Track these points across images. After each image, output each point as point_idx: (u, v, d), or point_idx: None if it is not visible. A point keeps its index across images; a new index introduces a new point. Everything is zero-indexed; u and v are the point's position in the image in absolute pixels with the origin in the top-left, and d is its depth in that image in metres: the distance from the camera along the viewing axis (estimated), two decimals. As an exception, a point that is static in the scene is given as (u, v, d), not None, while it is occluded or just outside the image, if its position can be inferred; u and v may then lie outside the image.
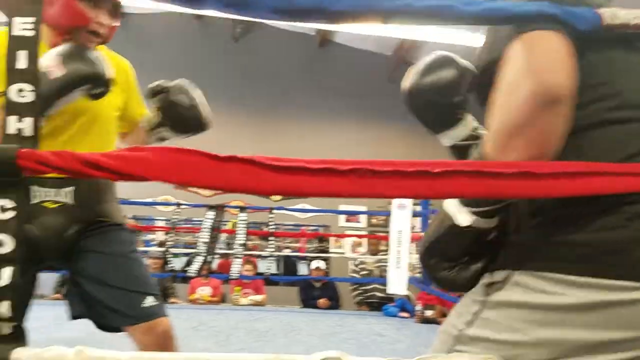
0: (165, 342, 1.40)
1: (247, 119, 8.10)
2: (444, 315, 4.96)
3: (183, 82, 1.52)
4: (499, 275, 0.76)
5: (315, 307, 5.63)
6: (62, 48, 1.18)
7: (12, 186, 0.67)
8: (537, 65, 0.71)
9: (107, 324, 1.44)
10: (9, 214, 0.67)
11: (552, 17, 0.80)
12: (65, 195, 1.40)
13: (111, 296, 1.39)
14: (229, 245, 6.17)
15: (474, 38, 6.04)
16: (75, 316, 1.48)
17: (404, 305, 5.24)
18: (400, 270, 5.17)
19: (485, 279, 0.79)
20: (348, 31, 7.56)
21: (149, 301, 1.41)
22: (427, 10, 0.74)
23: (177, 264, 6.09)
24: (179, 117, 1.49)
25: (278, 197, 7.85)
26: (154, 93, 1.49)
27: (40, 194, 1.38)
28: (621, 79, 0.79)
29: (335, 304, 5.86)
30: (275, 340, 3.68)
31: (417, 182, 0.53)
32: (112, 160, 0.59)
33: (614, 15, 0.97)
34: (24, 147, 0.68)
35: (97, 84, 1.24)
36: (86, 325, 1.50)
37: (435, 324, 4.81)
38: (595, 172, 0.58)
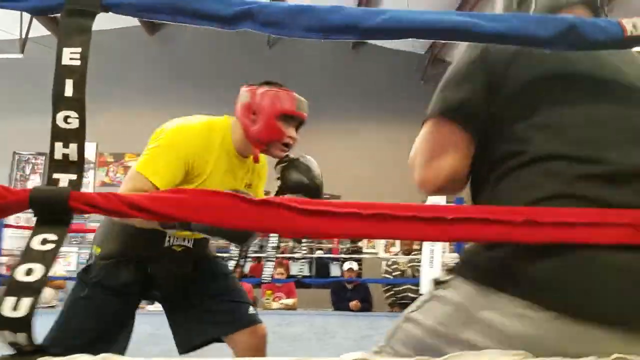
0: (264, 344, 1.72)
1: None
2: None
3: (305, 156, 1.72)
4: (447, 277, 0.87)
5: (348, 309, 5.63)
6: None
7: (59, 223, 0.70)
8: (427, 157, 0.89)
9: (215, 335, 1.70)
10: (49, 246, 0.69)
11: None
12: (187, 241, 1.69)
13: (230, 307, 1.69)
14: (262, 248, 6.25)
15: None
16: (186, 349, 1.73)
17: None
18: (433, 270, 5.10)
19: (437, 277, 0.91)
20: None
21: (251, 309, 1.72)
22: (449, 29, 0.78)
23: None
24: (297, 189, 1.64)
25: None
26: (279, 162, 1.68)
27: (171, 239, 1.66)
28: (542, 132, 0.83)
29: (367, 305, 5.84)
30: (308, 344, 3.72)
31: (433, 227, 0.57)
32: (154, 202, 0.64)
33: (636, 25, 0.96)
34: (70, 172, 0.73)
35: None
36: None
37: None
38: (599, 222, 0.60)
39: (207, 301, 1.69)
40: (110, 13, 0.81)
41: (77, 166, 0.73)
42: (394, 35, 0.83)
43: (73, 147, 0.73)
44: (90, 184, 8.07)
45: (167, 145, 1.50)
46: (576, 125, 0.81)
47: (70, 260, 7.88)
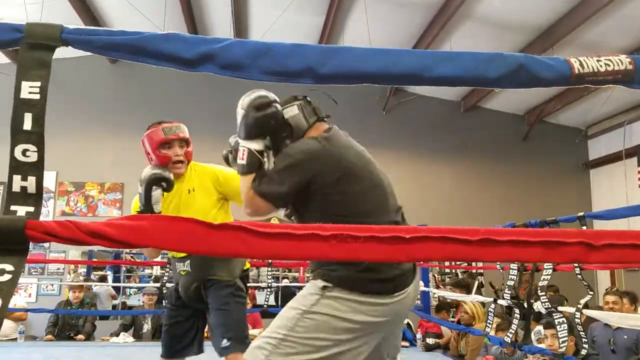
0: None
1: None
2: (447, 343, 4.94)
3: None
4: (329, 285, 1.44)
5: (314, 338, 5.56)
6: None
7: (16, 253, 0.69)
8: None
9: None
10: (6, 277, 0.68)
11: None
12: (186, 265, 2.28)
13: (213, 335, 2.20)
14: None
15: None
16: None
17: (404, 334, 5.20)
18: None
19: (321, 284, 1.45)
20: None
21: (224, 343, 2.14)
22: (401, 74, 0.81)
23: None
24: None
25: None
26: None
27: (179, 266, 2.31)
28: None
29: (334, 334, 5.77)
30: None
31: (391, 246, 0.59)
32: (112, 229, 0.63)
33: (583, 64, 1.02)
34: (28, 204, 0.72)
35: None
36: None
37: (438, 351, 4.79)
38: (552, 241, 0.63)
39: (211, 325, 2.28)
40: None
41: (35, 198, 0.72)
42: (349, 81, 0.85)
43: (31, 179, 0.73)
44: (50, 213, 7.82)
45: None
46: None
47: (31, 291, 7.58)
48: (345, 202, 1.45)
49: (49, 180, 7.80)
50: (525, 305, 3.33)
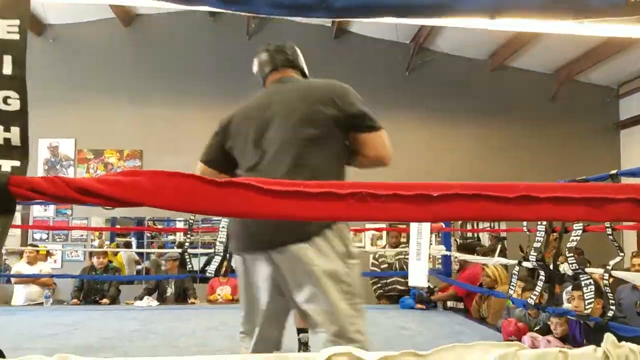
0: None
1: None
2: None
3: None
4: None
5: (336, 302, 5.60)
6: None
7: (1, 211, 0.61)
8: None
9: None
10: None
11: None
12: None
13: None
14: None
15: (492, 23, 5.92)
16: None
17: (420, 297, 5.20)
18: (420, 262, 5.13)
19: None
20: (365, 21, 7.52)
21: None
22: (431, 3, 0.71)
23: (196, 264, 6.10)
24: None
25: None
26: None
27: None
28: None
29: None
30: (295, 337, 3.66)
31: (416, 206, 0.50)
32: (106, 186, 0.57)
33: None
34: (13, 158, 0.64)
35: None
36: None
37: (459, 314, 4.78)
38: (599, 198, 0.54)
39: None
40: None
41: (21, 151, 0.65)
42: (367, 15, 0.76)
43: (15, 130, 0.65)
44: (71, 181, 7.94)
45: None
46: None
47: (56, 257, 7.77)
48: None
49: (69, 147, 7.86)
50: (551, 267, 3.26)
